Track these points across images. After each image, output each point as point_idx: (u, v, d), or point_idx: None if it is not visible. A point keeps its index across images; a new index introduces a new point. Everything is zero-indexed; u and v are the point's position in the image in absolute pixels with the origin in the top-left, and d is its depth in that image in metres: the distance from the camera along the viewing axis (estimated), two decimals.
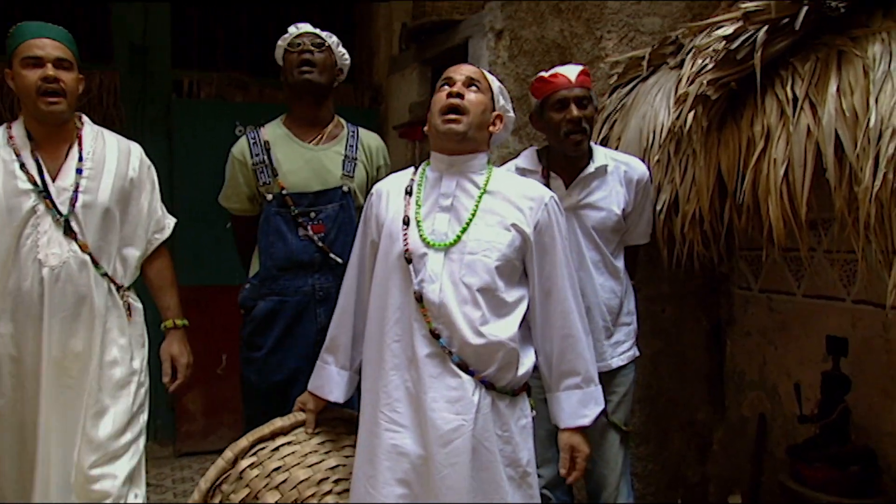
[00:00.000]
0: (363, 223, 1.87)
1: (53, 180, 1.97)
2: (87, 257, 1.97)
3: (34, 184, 1.94)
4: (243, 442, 1.83)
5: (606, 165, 2.16)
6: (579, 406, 1.76)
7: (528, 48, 3.02)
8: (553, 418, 1.78)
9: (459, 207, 1.72)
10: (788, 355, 2.52)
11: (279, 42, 2.26)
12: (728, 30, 2.09)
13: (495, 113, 1.80)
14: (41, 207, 1.94)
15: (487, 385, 1.67)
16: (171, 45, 4.03)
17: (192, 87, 3.99)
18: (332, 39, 2.25)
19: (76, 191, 1.98)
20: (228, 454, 1.81)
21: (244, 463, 1.81)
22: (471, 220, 1.70)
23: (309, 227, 2.13)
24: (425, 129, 1.82)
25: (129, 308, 2.08)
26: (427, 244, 1.69)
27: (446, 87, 1.76)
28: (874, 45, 1.84)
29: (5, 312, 1.93)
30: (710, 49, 2.16)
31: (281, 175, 2.14)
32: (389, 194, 1.82)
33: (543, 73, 2.15)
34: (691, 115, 2.21)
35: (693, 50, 2.27)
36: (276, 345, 2.15)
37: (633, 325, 2.24)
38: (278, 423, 1.88)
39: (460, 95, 1.73)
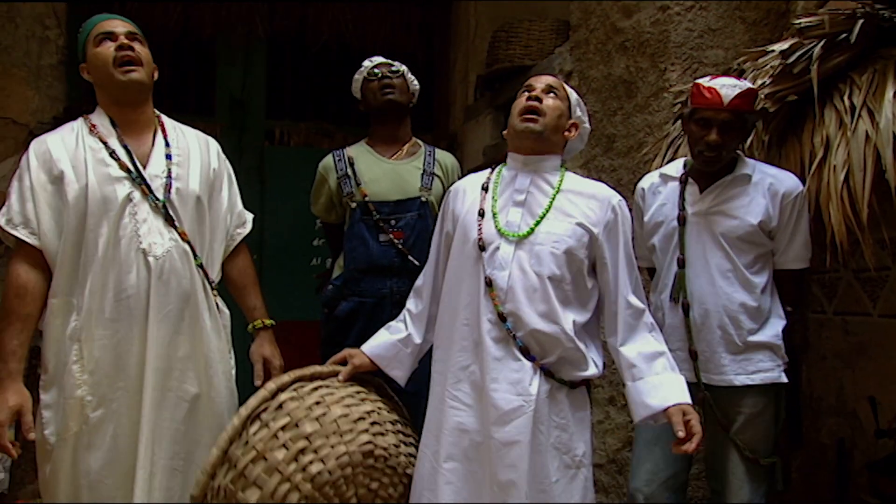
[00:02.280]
0: (440, 218, 2.05)
1: (144, 167, 1.93)
2: (188, 247, 1.93)
3: (127, 170, 1.89)
4: (286, 377, 1.86)
5: (749, 175, 2.14)
6: (676, 385, 1.80)
7: (595, 86, 3.23)
8: (651, 404, 1.79)
9: (532, 203, 1.88)
10: (867, 378, 2.50)
11: (356, 76, 2.54)
12: (784, 45, 2.23)
13: (571, 121, 1.96)
14: (137, 194, 1.88)
15: (547, 373, 1.78)
16: (265, 98, 4.45)
17: (284, 135, 4.38)
18: (403, 68, 2.52)
19: (169, 177, 1.94)
20: (271, 385, 1.83)
21: (284, 395, 1.83)
22: (544, 214, 1.84)
23: (390, 233, 2.35)
24: (504, 133, 2.00)
25: (219, 308, 2.05)
26: (501, 234, 1.83)
27: (526, 92, 1.93)
28: None
29: (104, 315, 1.84)
30: (768, 66, 2.29)
31: (364, 185, 2.38)
32: (466, 191, 1.99)
33: (703, 81, 2.12)
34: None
35: (753, 71, 2.40)
36: (354, 343, 2.32)
37: (779, 350, 2.13)
38: (318, 368, 1.94)
39: (539, 99, 1.89)
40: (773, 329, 2.13)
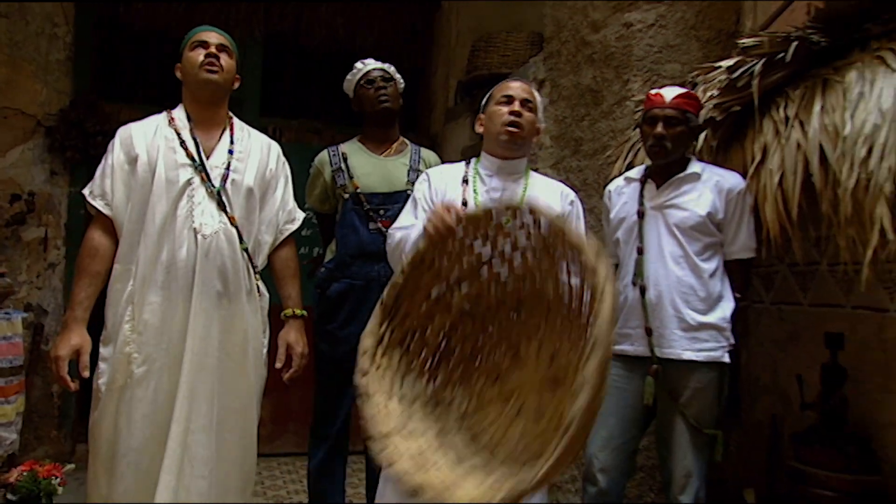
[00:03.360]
0: (417, 197, 2.09)
1: (207, 158, 2.09)
2: (234, 231, 2.06)
3: (192, 159, 2.05)
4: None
5: (699, 174, 2.30)
6: None
7: (565, 93, 3.36)
8: None
9: (509, 195, 2.03)
10: (797, 360, 2.64)
11: (349, 77, 2.68)
12: (730, 62, 2.40)
13: (537, 126, 2.14)
14: (196, 180, 2.04)
15: None
16: (260, 96, 4.53)
17: (276, 132, 4.47)
18: (392, 69, 2.67)
19: (227, 168, 2.09)
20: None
21: None
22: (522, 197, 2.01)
23: (378, 222, 2.50)
24: (478, 128, 2.13)
25: (259, 291, 2.16)
26: None
27: (505, 104, 2.07)
28: (851, 73, 2.12)
29: (156, 283, 1.97)
30: (717, 80, 2.47)
31: (356, 178, 2.53)
32: (446, 183, 2.10)
33: (651, 91, 2.35)
34: (702, 136, 2.50)
35: (704, 84, 2.57)
36: (345, 320, 2.48)
37: (725, 331, 2.25)
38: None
39: (519, 114, 2.05)
40: (722, 312, 2.25)
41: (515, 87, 2.12)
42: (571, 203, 2.08)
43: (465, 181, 2.07)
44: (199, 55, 2.09)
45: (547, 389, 1.66)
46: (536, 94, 2.17)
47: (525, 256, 1.71)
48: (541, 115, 2.17)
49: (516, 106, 2.05)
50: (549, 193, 2.07)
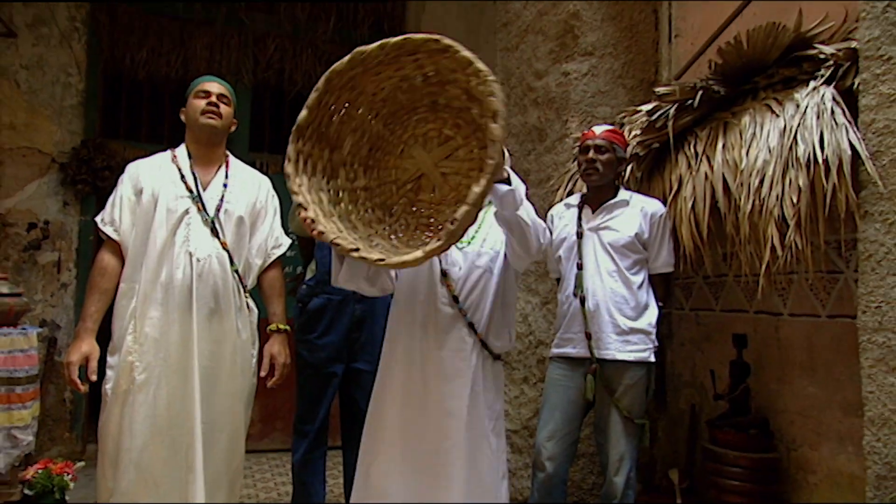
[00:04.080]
0: None
1: (204, 190, 2.11)
2: (226, 255, 2.06)
3: (190, 191, 2.07)
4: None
5: (627, 200, 2.37)
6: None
7: (514, 131, 3.41)
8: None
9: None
10: (711, 357, 2.74)
11: None
12: (649, 107, 2.51)
13: None
14: (193, 209, 2.06)
15: (483, 345, 1.90)
16: (249, 134, 4.55)
17: (263, 165, 4.47)
18: None
19: (221, 200, 2.10)
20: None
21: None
22: (479, 227, 1.97)
23: None
24: None
25: (248, 307, 2.16)
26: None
27: None
28: (745, 117, 2.24)
29: (156, 300, 1.98)
30: (639, 121, 2.57)
31: None
32: None
33: (585, 130, 2.48)
34: (628, 169, 2.59)
35: (629, 124, 2.67)
36: (323, 331, 2.49)
37: (651, 335, 2.31)
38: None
39: None
40: (648, 318, 2.33)
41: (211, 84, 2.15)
42: None
43: None
44: (202, 103, 2.12)
45: (443, 181, 1.75)
46: None
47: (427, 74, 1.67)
48: None
49: None
50: None
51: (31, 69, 3.91)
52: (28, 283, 3.82)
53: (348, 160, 1.74)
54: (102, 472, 2.00)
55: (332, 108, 1.67)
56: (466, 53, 1.51)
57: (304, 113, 1.62)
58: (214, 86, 2.17)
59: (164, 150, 2.24)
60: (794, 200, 1.94)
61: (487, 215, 2.00)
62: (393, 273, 1.91)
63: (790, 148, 2.00)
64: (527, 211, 1.77)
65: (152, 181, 2.08)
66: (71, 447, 3.91)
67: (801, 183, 1.94)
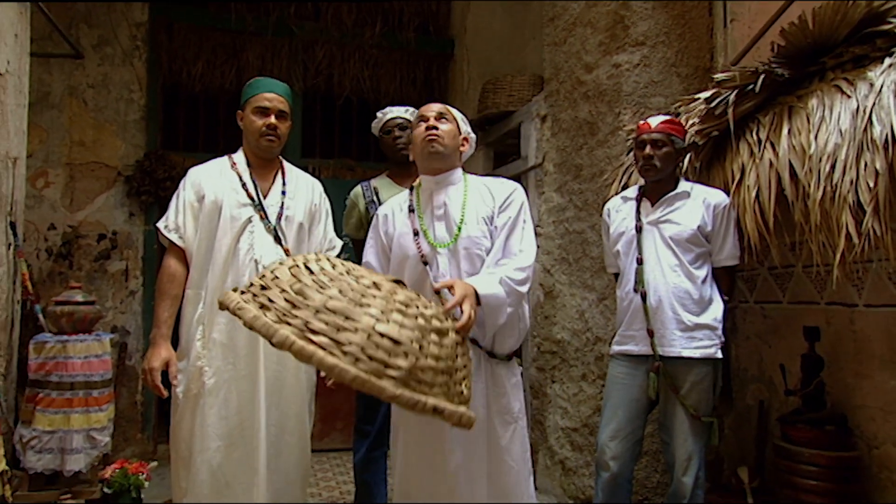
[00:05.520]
0: (374, 237, 2.02)
1: (264, 197, 2.12)
2: None
3: (251, 199, 2.09)
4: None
5: (688, 192, 2.29)
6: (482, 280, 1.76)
7: (565, 126, 3.38)
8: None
9: (451, 212, 1.89)
10: (779, 351, 2.63)
11: (374, 123, 2.71)
12: (707, 94, 2.41)
13: (462, 136, 1.98)
14: (256, 217, 2.07)
15: (489, 354, 1.85)
16: (301, 140, 4.62)
17: (315, 170, 4.54)
18: (410, 113, 2.65)
19: (281, 207, 2.12)
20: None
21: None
22: (462, 221, 1.87)
23: None
24: (412, 156, 2.01)
25: None
26: (434, 247, 1.86)
27: (422, 123, 1.92)
28: (812, 99, 2.12)
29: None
30: (696, 110, 2.48)
31: None
32: (394, 213, 1.98)
33: (640, 121, 2.37)
34: (687, 158, 2.50)
35: (685, 114, 2.58)
36: None
37: (717, 330, 2.23)
38: None
39: (435, 127, 1.89)
40: (714, 313, 2.24)
41: (429, 107, 1.97)
42: (511, 194, 1.92)
43: (412, 209, 1.94)
44: (260, 123, 2.10)
45: None
46: (454, 110, 2.01)
47: None
48: (467, 126, 2.01)
49: (431, 122, 1.90)
50: (486, 191, 1.92)
51: (96, 88, 4.08)
52: (99, 292, 3.98)
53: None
54: (176, 472, 2.05)
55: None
56: None
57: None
58: (274, 100, 2.13)
59: (217, 156, 2.26)
60: (871, 185, 1.83)
61: (467, 199, 1.88)
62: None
63: (864, 129, 1.88)
64: (505, 309, 1.74)
65: (214, 188, 2.10)
66: (143, 447, 4.06)
67: (878, 166, 1.83)
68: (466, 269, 1.83)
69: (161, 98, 4.35)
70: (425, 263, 1.83)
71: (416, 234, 1.87)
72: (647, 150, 2.28)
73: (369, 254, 2.02)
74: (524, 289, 1.81)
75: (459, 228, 1.86)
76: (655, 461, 2.96)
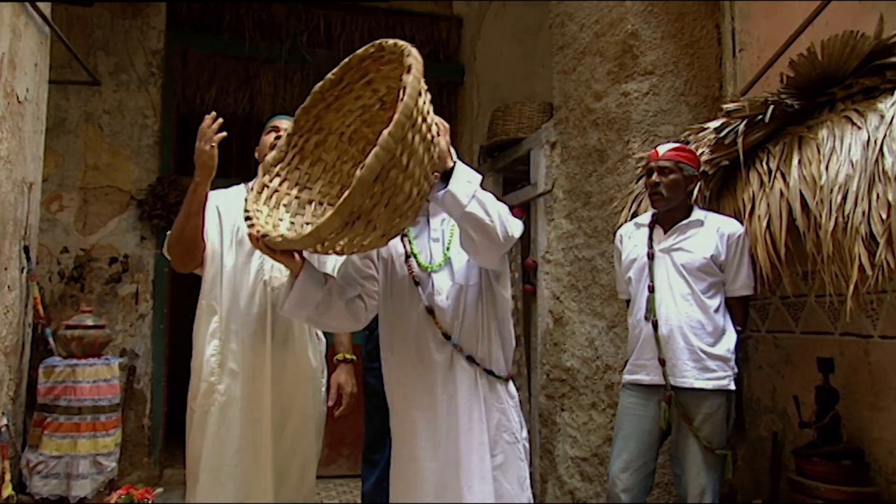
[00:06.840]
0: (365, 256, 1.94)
1: None
2: None
3: None
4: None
5: (702, 220, 2.27)
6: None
7: (574, 153, 3.38)
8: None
9: (445, 234, 1.88)
10: (792, 382, 2.59)
11: None
12: (717, 123, 2.42)
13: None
14: None
15: (488, 372, 1.81)
16: None
17: None
18: None
19: None
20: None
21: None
22: (449, 245, 1.86)
23: None
24: None
25: (317, 337, 2.16)
26: (425, 269, 1.83)
27: None
28: (822, 130, 2.13)
29: (236, 334, 1.99)
30: (706, 139, 2.48)
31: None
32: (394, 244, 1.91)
33: (651, 149, 2.39)
34: (697, 187, 2.49)
35: (695, 143, 2.58)
36: None
37: (730, 361, 2.19)
38: None
39: None
40: (727, 344, 2.21)
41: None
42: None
43: (405, 234, 1.90)
44: (272, 137, 2.15)
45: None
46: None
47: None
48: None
49: None
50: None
51: (112, 113, 4.15)
52: (109, 314, 4.00)
53: (317, 198, 1.76)
54: (188, 484, 2.06)
55: (303, 150, 1.73)
56: (391, 42, 1.53)
57: (274, 153, 1.70)
58: (284, 122, 2.20)
59: (233, 183, 2.28)
60: (883, 216, 1.82)
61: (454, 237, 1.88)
62: (372, 305, 1.82)
63: (875, 161, 1.88)
64: (481, 203, 1.63)
65: (229, 209, 2.11)
66: (149, 472, 4.04)
67: (890, 198, 1.82)
68: (461, 281, 1.82)
69: (175, 123, 4.42)
70: (416, 284, 1.83)
71: (407, 256, 1.88)
72: (655, 177, 2.28)
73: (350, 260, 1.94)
74: (488, 220, 1.65)
75: (448, 248, 1.86)
76: (667, 493, 2.91)
